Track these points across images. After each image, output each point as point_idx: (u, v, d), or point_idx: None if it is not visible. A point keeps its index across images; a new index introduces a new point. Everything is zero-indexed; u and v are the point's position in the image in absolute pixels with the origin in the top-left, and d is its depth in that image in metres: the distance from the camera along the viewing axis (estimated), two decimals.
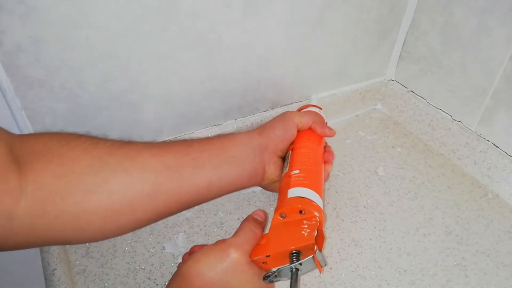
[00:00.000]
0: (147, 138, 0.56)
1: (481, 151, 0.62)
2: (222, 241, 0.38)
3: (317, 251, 0.37)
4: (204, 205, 0.56)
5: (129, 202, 0.35)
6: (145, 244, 0.50)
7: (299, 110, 0.59)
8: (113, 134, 0.53)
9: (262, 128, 0.48)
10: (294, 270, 0.37)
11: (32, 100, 0.44)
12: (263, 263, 0.38)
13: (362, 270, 0.49)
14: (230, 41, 0.53)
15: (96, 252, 0.49)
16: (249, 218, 0.41)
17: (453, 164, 0.66)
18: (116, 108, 0.51)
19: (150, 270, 0.47)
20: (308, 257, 0.37)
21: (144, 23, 0.46)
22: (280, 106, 0.66)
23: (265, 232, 0.41)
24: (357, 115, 0.77)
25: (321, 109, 0.58)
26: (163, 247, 0.50)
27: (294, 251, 0.37)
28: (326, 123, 0.56)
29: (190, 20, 0.49)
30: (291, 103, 0.67)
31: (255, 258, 0.37)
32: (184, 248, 0.50)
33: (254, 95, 0.62)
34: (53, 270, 0.44)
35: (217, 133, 0.60)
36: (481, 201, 0.59)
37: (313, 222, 0.39)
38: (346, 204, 0.57)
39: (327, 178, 0.49)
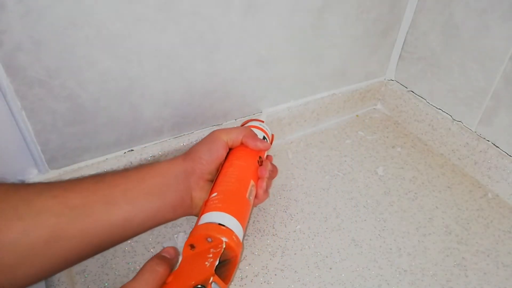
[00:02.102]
0: (147, 138, 0.56)
1: (481, 151, 0.62)
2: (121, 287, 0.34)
3: (212, 283, 0.33)
4: None
5: (24, 253, 0.32)
6: (145, 244, 0.50)
7: (242, 125, 0.55)
8: (113, 134, 0.53)
9: (187, 153, 0.45)
10: None
11: (32, 100, 0.44)
12: None
13: (362, 270, 0.49)
14: (230, 41, 0.53)
15: None
16: (153, 257, 0.36)
17: (453, 164, 0.66)
18: (116, 108, 0.51)
19: None
20: None
21: (144, 22, 0.46)
22: (279, 104, 0.66)
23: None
24: (357, 115, 0.77)
25: (263, 122, 0.55)
26: (163, 247, 0.50)
27: (198, 286, 0.33)
28: (273, 135, 0.54)
29: (190, 20, 0.49)
30: (291, 103, 0.67)
31: None
32: None
33: (254, 95, 0.62)
34: None
35: None
36: (481, 201, 0.59)
37: (218, 250, 0.35)
38: (346, 204, 0.57)
39: (263, 195, 0.45)
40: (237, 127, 0.48)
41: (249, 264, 0.48)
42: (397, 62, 0.74)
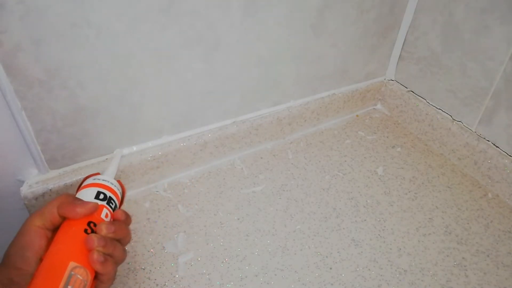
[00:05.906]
0: (147, 138, 0.56)
1: (481, 151, 0.62)
2: None
3: None
4: (204, 205, 0.56)
5: None
6: (145, 244, 0.50)
7: (78, 188, 0.43)
8: (113, 134, 0.53)
9: (2, 262, 0.35)
10: None
11: (32, 100, 0.44)
12: None
13: (362, 270, 0.49)
14: (230, 41, 0.53)
15: None
16: None
17: (453, 164, 0.66)
18: (116, 108, 0.51)
19: (150, 270, 0.47)
20: None
21: (144, 22, 0.46)
22: (279, 104, 0.66)
23: None
24: (357, 115, 0.77)
25: (98, 174, 0.44)
26: (163, 247, 0.50)
27: None
28: (120, 183, 0.44)
29: (190, 20, 0.49)
30: (291, 103, 0.67)
31: None
32: (185, 248, 0.50)
33: (254, 95, 0.62)
34: None
35: (217, 133, 0.60)
36: (481, 201, 0.59)
37: None
38: (346, 204, 0.57)
39: (103, 268, 0.35)
40: (50, 202, 0.37)
41: (249, 264, 0.48)
42: (397, 62, 0.74)
